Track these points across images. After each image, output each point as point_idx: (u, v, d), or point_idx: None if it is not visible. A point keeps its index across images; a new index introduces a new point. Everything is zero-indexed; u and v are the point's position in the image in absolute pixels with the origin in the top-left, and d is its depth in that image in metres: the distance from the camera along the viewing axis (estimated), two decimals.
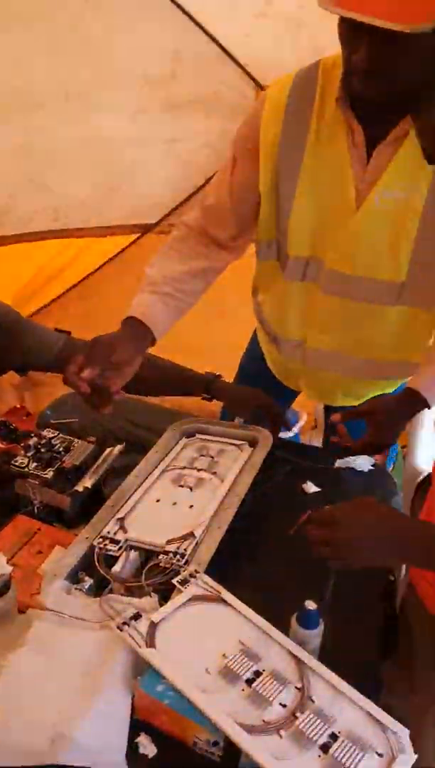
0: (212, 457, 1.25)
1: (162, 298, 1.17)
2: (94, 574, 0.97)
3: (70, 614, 0.89)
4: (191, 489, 1.15)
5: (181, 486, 1.16)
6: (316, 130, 1.12)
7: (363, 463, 1.34)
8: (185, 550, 1.00)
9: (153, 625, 0.85)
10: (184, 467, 1.22)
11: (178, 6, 2.08)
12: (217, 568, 0.98)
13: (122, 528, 1.03)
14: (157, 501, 1.13)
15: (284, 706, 0.77)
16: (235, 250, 1.28)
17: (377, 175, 1.11)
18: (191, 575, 0.93)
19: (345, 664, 0.86)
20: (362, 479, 1.31)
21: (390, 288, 1.20)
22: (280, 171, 1.17)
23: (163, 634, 0.84)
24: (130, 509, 1.08)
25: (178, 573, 0.94)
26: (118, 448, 1.22)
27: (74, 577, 0.96)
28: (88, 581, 0.95)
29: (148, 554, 1.01)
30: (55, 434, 1.20)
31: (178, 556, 0.98)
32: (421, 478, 1.49)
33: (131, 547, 1.01)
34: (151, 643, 0.83)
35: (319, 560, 1.07)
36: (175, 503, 1.13)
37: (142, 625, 0.85)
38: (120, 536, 1.02)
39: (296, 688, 0.79)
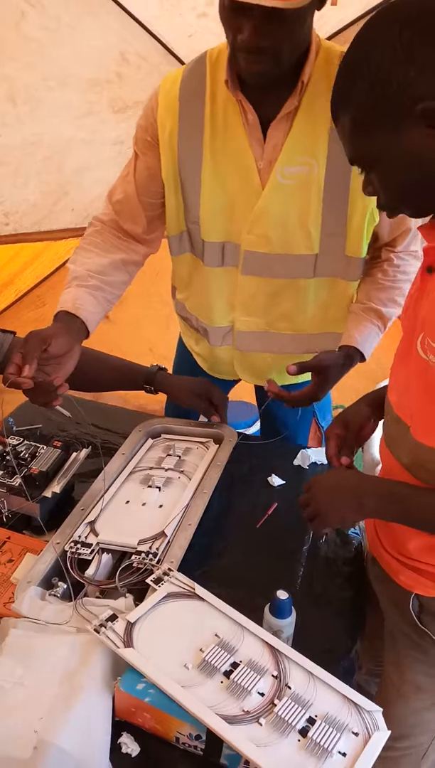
0: (179, 456, 1.26)
1: (90, 291, 1.17)
2: (67, 579, 0.97)
3: (46, 620, 0.89)
4: (160, 489, 1.16)
5: (150, 486, 1.17)
6: (210, 117, 1.15)
7: (323, 455, 1.36)
8: (157, 549, 1.01)
9: (130, 625, 0.86)
10: (152, 467, 1.23)
11: (121, 7, 2.08)
12: (188, 565, 1.00)
13: (93, 531, 1.04)
14: (127, 503, 1.14)
15: (262, 694, 0.79)
16: (150, 243, 1.30)
17: (276, 152, 1.15)
18: (165, 573, 0.95)
19: (319, 650, 0.89)
20: (324, 469, 1.34)
21: (305, 261, 1.25)
22: (181, 161, 1.20)
23: (140, 633, 0.85)
24: (99, 512, 1.09)
25: (151, 572, 0.95)
26: (85, 451, 1.22)
27: (48, 583, 0.96)
28: (62, 586, 0.95)
29: (120, 556, 1.02)
30: (20, 441, 1.19)
31: (150, 556, 0.99)
32: (379, 467, 1.53)
33: (103, 550, 1.01)
34: (129, 642, 0.83)
35: (288, 551, 1.11)
36: (144, 504, 1.14)
37: (119, 626, 0.85)
38: (91, 539, 1.02)
39: (273, 676, 0.82)
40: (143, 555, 0.99)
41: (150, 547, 1.01)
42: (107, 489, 1.14)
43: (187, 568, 0.98)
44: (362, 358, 1.24)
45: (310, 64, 1.08)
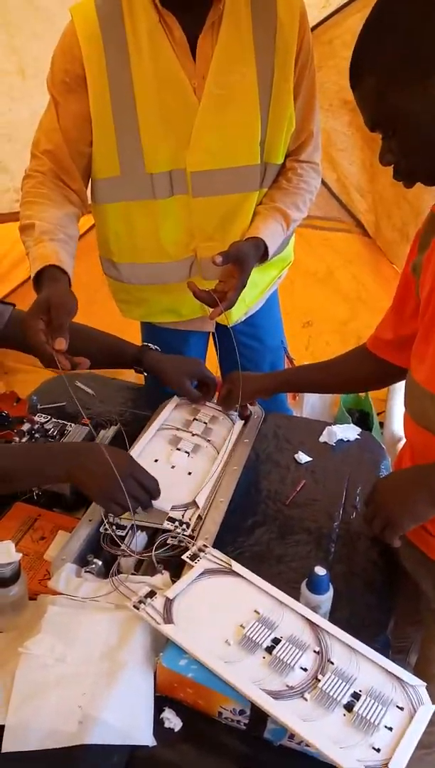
0: (205, 423, 1.24)
1: (61, 245, 1.12)
2: (101, 555, 0.97)
3: (84, 597, 0.89)
4: (188, 454, 1.15)
5: (178, 449, 1.16)
6: (134, 42, 1.14)
7: (350, 431, 1.36)
8: (190, 519, 1.00)
9: (169, 602, 0.85)
10: (179, 428, 1.22)
11: None
12: (221, 543, 1.00)
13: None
14: (156, 461, 1.13)
15: (305, 670, 0.79)
16: (83, 195, 1.27)
17: (207, 65, 1.16)
18: (200, 550, 0.94)
19: (355, 625, 0.89)
20: (351, 446, 1.34)
21: (252, 172, 1.27)
22: (113, 93, 1.17)
23: (179, 609, 0.85)
24: None
25: (187, 549, 0.95)
26: (113, 429, 1.21)
27: (83, 560, 0.96)
28: (97, 563, 0.95)
29: (154, 531, 1.01)
30: (48, 419, 1.18)
31: (183, 526, 0.99)
32: (403, 443, 1.53)
33: (137, 527, 1.01)
34: (169, 619, 0.83)
35: (319, 528, 1.10)
36: (173, 467, 1.13)
37: (158, 602, 0.85)
38: (126, 521, 1.01)
39: (314, 651, 0.81)
40: (178, 529, 0.98)
41: (182, 516, 1.01)
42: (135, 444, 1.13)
43: (220, 546, 0.98)
44: (266, 252, 1.24)
45: None
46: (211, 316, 1.16)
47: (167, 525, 1.00)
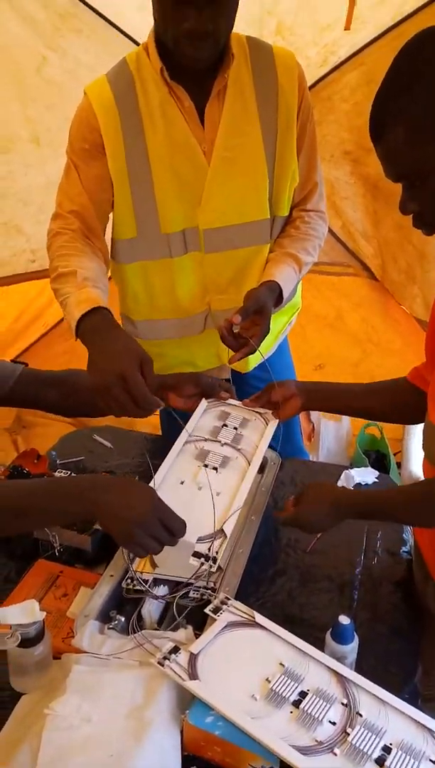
0: (236, 429, 1.22)
1: (102, 294, 1.15)
2: (124, 611, 0.97)
3: (108, 654, 0.89)
4: (217, 470, 1.13)
5: (206, 465, 1.13)
6: (148, 112, 1.22)
7: (368, 475, 1.36)
8: (217, 552, 0.99)
9: (193, 657, 0.85)
10: (207, 439, 1.19)
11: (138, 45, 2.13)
12: (242, 594, 0.99)
13: (150, 562, 1.03)
14: (182, 483, 1.10)
15: (334, 723, 0.78)
16: (105, 253, 1.31)
17: (215, 130, 1.23)
18: (222, 602, 0.94)
19: (382, 675, 0.88)
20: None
21: (262, 226, 1.33)
22: (129, 160, 1.24)
23: (204, 664, 0.85)
24: None
25: (209, 602, 0.95)
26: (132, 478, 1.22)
27: (105, 617, 0.96)
28: (120, 619, 0.95)
29: (176, 584, 1.01)
30: (68, 474, 1.20)
31: (210, 561, 0.98)
32: None
33: (159, 581, 1.01)
34: (194, 674, 0.83)
35: (341, 574, 1.10)
36: (200, 487, 1.10)
37: (183, 658, 0.85)
38: (147, 575, 1.01)
39: (342, 704, 0.80)
40: (200, 588, 0.98)
41: (209, 549, 1.00)
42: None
43: (242, 597, 0.98)
44: (280, 296, 1.27)
45: (232, 40, 1.19)
46: (231, 361, 1.19)
47: (193, 561, 0.99)
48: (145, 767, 0.76)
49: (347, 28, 1.95)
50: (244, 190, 1.28)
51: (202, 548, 1.00)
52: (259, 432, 1.22)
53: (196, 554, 1.00)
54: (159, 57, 1.17)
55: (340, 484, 1.34)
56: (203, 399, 1.24)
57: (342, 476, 1.35)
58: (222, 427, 1.21)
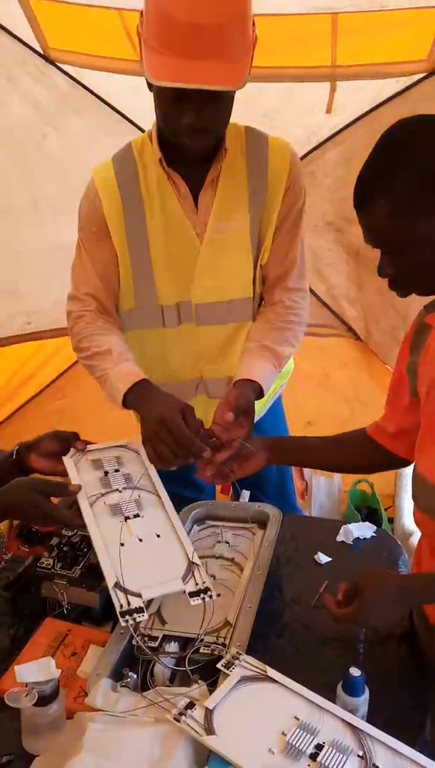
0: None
1: (135, 365, 1.30)
2: (136, 668, 0.97)
3: (123, 712, 0.89)
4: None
5: (127, 518, 1.12)
6: (147, 196, 1.32)
7: (365, 529, 1.40)
8: (224, 638, 1.02)
9: (209, 712, 0.86)
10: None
11: (137, 126, 2.29)
12: (251, 649, 1.00)
13: (159, 619, 1.05)
14: (123, 545, 1.07)
15: None
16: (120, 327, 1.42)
17: (207, 214, 1.32)
18: (234, 657, 0.95)
19: (394, 726, 0.89)
20: (367, 544, 1.37)
21: (246, 304, 1.40)
22: (130, 240, 1.34)
23: (220, 719, 0.85)
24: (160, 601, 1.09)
25: (220, 658, 0.96)
26: None
27: (118, 674, 0.96)
28: (133, 676, 0.95)
29: (186, 642, 1.02)
30: (74, 532, 1.21)
31: (218, 641, 1.00)
32: (415, 536, 1.55)
33: (169, 638, 1.02)
34: (210, 729, 0.83)
35: (345, 630, 1.11)
36: (141, 540, 1.08)
37: (198, 714, 0.86)
38: (157, 629, 1.03)
39: (358, 756, 0.81)
40: (211, 644, 0.99)
41: (216, 638, 1.02)
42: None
43: (250, 652, 0.98)
44: (261, 394, 1.30)
45: (227, 134, 1.28)
46: (223, 492, 1.25)
47: (194, 602, 1.00)
48: None
49: (328, 111, 2.12)
50: (231, 270, 1.36)
51: (210, 639, 1.02)
52: (137, 462, 1.23)
53: (192, 594, 1.00)
54: (160, 146, 1.27)
55: (339, 539, 1.37)
56: (65, 458, 1.19)
57: (341, 531, 1.38)
58: (105, 475, 1.18)
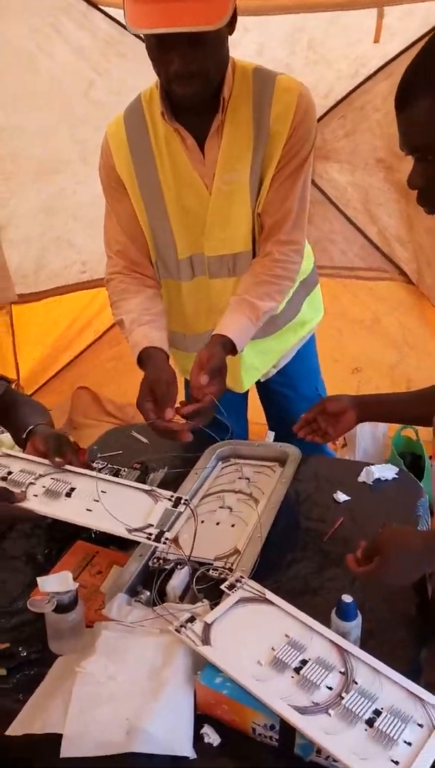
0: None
1: (151, 325, 1.34)
2: (150, 587, 1.07)
3: (133, 622, 0.99)
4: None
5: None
6: (157, 148, 1.32)
7: (387, 471, 1.42)
8: (232, 564, 1.09)
9: (207, 626, 0.94)
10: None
11: None
12: (260, 577, 1.07)
13: (175, 545, 1.14)
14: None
15: (330, 688, 0.85)
16: (156, 277, 1.46)
17: (214, 165, 1.31)
18: (237, 580, 1.03)
19: (384, 652, 0.94)
20: (389, 485, 1.39)
21: (248, 257, 1.39)
22: (144, 194, 1.35)
23: (216, 633, 0.94)
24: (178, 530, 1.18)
25: (225, 580, 1.04)
26: (162, 472, 1.33)
27: (133, 591, 1.06)
28: (146, 593, 1.05)
29: (197, 567, 1.11)
30: (105, 464, 1.31)
31: (226, 571, 1.08)
32: None
33: (182, 563, 1.11)
34: (206, 641, 0.92)
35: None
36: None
37: (198, 627, 0.94)
38: (172, 555, 1.12)
39: (340, 672, 0.88)
40: (220, 570, 1.08)
41: (225, 563, 1.10)
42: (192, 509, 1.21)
43: (259, 580, 1.05)
44: (234, 350, 1.31)
45: (228, 81, 1.25)
46: (183, 413, 1.25)
47: (210, 565, 1.09)
48: (162, 721, 0.86)
49: (377, 40, 2.02)
50: (236, 222, 1.35)
51: (219, 564, 1.11)
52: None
53: (214, 569, 1.10)
54: (163, 97, 1.26)
55: (360, 479, 1.40)
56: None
57: (362, 472, 1.41)
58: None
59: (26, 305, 2.55)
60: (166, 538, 1.07)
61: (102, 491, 1.15)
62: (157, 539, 1.06)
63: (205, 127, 1.28)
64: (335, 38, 2.04)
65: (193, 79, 1.17)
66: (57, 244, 2.57)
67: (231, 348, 1.30)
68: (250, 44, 2.11)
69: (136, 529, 1.08)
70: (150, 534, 1.07)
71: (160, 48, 1.14)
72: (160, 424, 1.21)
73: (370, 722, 0.81)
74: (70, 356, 2.95)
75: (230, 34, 1.21)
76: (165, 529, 1.08)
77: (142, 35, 1.15)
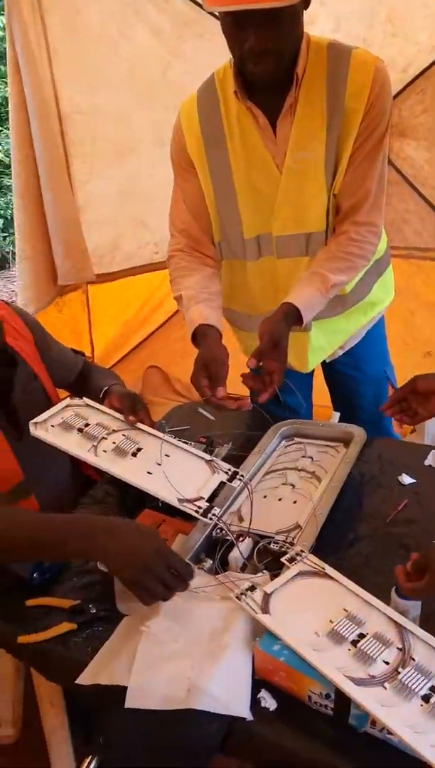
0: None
1: (206, 304, 1.36)
2: (213, 555, 1.11)
3: (196, 588, 1.03)
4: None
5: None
6: (228, 127, 1.32)
7: None
8: (293, 539, 1.11)
9: (266, 595, 0.97)
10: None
11: None
12: (322, 554, 1.09)
13: (238, 518, 1.17)
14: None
15: (387, 663, 0.86)
16: (216, 254, 1.47)
17: (286, 143, 1.29)
18: (298, 554, 1.05)
19: None
20: None
21: (321, 237, 1.38)
22: (213, 173, 1.35)
23: (275, 603, 0.96)
24: (241, 504, 1.22)
25: (286, 554, 1.06)
26: (226, 447, 1.36)
27: (197, 559, 1.10)
28: (208, 561, 1.09)
29: (259, 539, 1.14)
30: (173, 437, 1.35)
31: (286, 544, 1.10)
32: None
33: (245, 534, 1.14)
34: (266, 610, 0.95)
35: (418, 545, 1.15)
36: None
37: (258, 596, 0.97)
38: (234, 527, 1.15)
39: (398, 648, 0.88)
40: (281, 543, 1.10)
41: (286, 537, 1.12)
42: (246, 483, 1.26)
43: (320, 557, 1.07)
44: (299, 320, 1.29)
45: (302, 57, 1.23)
46: (261, 400, 1.25)
47: (271, 538, 1.12)
48: (222, 682, 0.89)
49: None
50: (308, 202, 1.34)
51: (281, 537, 1.13)
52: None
53: (275, 542, 1.12)
54: (236, 75, 1.26)
55: (427, 463, 1.38)
56: (35, 431, 1.20)
57: (429, 455, 1.39)
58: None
59: (101, 285, 2.63)
60: (214, 514, 1.11)
61: (166, 455, 1.19)
62: (205, 514, 1.10)
63: (278, 105, 1.28)
64: (415, 10, 1.97)
65: (268, 56, 1.17)
66: (132, 225, 2.63)
67: (296, 318, 1.30)
68: (327, 20, 2.07)
69: (187, 500, 1.12)
70: (199, 507, 1.12)
71: (235, 25, 1.14)
72: (213, 401, 1.24)
73: (426, 698, 0.81)
74: (141, 336, 3.02)
75: (305, 9, 1.20)
76: (214, 504, 1.12)
77: (218, 13, 1.15)
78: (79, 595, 1.09)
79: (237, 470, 1.17)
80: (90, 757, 0.89)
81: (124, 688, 0.90)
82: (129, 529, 1.01)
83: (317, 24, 2.07)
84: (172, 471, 1.17)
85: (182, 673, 0.91)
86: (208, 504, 1.13)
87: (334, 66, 1.25)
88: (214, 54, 2.32)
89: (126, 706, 0.88)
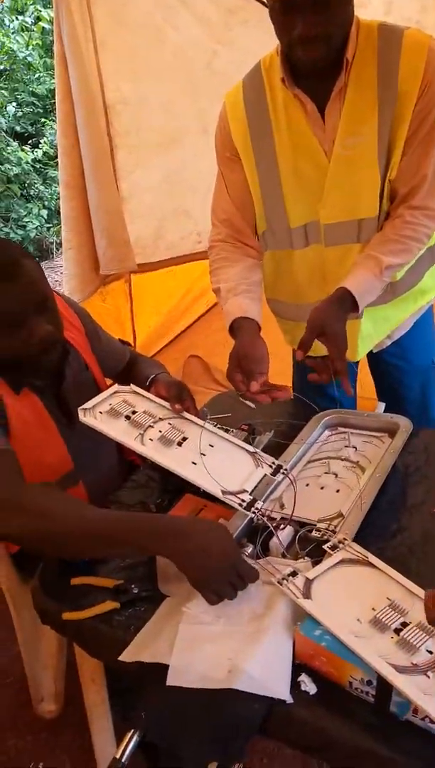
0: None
1: (245, 295, 1.36)
2: (254, 541, 1.11)
3: None
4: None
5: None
6: (274, 115, 1.30)
7: None
8: (335, 527, 1.11)
9: (308, 581, 0.97)
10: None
11: None
12: (365, 542, 1.08)
13: (280, 505, 1.17)
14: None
15: (431, 652, 0.85)
16: (258, 245, 1.47)
17: (335, 130, 1.27)
18: (340, 542, 1.04)
19: None
20: None
21: (373, 223, 1.35)
22: (259, 161, 1.33)
23: (317, 589, 0.96)
24: (283, 491, 1.22)
25: (328, 541, 1.06)
26: (268, 435, 1.36)
27: (238, 544, 1.10)
28: (250, 546, 1.09)
29: (301, 526, 1.14)
30: (215, 424, 1.36)
31: (329, 532, 1.09)
32: None
33: (287, 521, 1.14)
34: (307, 595, 0.95)
35: None
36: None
37: (299, 581, 0.97)
38: (276, 513, 1.15)
39: None
40: (323, 531, 1.10)
41: (328, 525, 1.12)
42: (289, 472, 1.26)
43: (363, 545, 1.06)
44: (355, 306, 1.27)
45: (352, 41, 1.20)
46: (324, 381, 1.26)
47: (314, 525, 1.11)
48: (262, 664, 0.90)
49: None
50: (359, 188, 1.31)
51: (323, 525, 1.12)
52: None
53: (317, 530, 1.12)
54: (284, 62, 1.25)
55: None
56: (84, 418, 1.21)
57: None
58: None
59: (144, 275, 2.66)
60: (257, 509, 1.11)
61: (210, 444, 1.20)
62: (248, 507, 1.11)
63: (327, 92, 1.26)
64: None
65: (317, 42, 1.15)
66: (175, 215, 2.65)
67: (351, 304, 1.28)
68: (378, 3, 2.04)
69: (230, 492, 1.13)
70: (242, 501, 1.12)
71: (284, 11, 1.13)
72: (249, 395, 1.25)
73: None
74: (183, 326, 3.04)
75: None
76: (258, 498, 1.12)
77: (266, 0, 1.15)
78: (123, 575, 1.11)
79: (281, 464, 1.17)
80: (132, 731, 0.91)
81: (166, 667, 0.91)
82: (195, 529, 1.01)
83: (370, 8, 2.03)
84: (216, 462, 1.18)
85: (223, 654, 0.91)
86: (251, 497, 1.13)
87: (385, 48, 1.22)
88: (260, 42, 2.31)
89: (167, 684, 0.90)
